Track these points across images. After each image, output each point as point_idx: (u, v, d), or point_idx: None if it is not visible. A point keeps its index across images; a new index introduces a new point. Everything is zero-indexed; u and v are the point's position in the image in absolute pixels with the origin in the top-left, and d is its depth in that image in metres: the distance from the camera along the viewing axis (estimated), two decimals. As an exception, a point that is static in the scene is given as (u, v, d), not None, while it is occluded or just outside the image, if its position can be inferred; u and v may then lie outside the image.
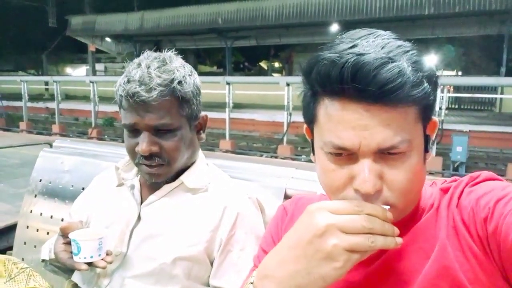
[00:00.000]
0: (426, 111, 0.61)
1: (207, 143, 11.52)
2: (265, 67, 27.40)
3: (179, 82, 0.94)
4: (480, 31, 14.57)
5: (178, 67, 0.96)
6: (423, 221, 0.66)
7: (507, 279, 0.58)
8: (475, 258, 0.60)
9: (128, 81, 0.91)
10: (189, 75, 0.98)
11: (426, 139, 0.64)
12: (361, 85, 0.54)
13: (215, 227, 0.96)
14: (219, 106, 11.30)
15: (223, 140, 10.79)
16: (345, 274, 0.68)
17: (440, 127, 8.71)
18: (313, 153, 0.69)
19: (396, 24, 15.09)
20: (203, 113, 1.05)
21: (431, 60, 20.12)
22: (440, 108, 8.81)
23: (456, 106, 17.12)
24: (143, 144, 0.92)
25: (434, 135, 0.67)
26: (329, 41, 0.61)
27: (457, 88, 15.16)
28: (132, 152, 0.97)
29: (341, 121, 0.58)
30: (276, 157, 9.67)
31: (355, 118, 0.57)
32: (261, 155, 10.17)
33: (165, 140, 0.95)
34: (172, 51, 0.99)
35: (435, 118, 0.66)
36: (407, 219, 0.68)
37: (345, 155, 0.60)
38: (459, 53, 18.06)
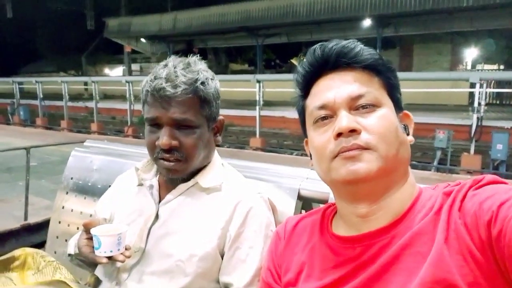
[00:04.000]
0: (391, 90, 0.75)
1: (238, 141, 11.63)
2: (297, 64, 27.17)
3: (202, 83, 0.99)
4: (523, 22, 13.77)
5: (202, 69, 1.02)
6: (421, 225, 0.66)
7: (510, 282, 0.57)
8: (475, 262, 0.59)
9: (155, 78, 0.98)
10: (211, 79, 1.04)
11: (404, 127, 0.76)
12: (328, 53, 0.74)
13: (226, 224, 0.99)
14: (250, 104, 11.36)
15: (254, 138, 10.85)
16: (341, 277, 0.70)
17: (479, 124, 8.37)
18: (311, 158, 0.81)
19: (432, 17, 14.55)
20: (220, 117, 1.10)
21: (470, 53, 19.30)
22: (479, 104, 8.44)
23: (497, 102, 16.31)
24: (164, 137, 0.97)
25: (412, 126, 0.79)
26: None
27: (499, 83, 14.43)
28: (152, 147, 1.01)
29: (320, 90, 0.75)
30: (306, 155, 9.60)
31: (329, 83, 0.74)
32: (291, 153, 10.13)
33: (184, 136, 0.99)
34: (197, 56, 1.05)
35: (408, 112, 0.79)
36: (404, 218, 0.69)
37: (327, 119, 0.73)
38: (500, 46, 17.15)
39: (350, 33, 16.17)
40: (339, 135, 0.69)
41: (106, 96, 19.58)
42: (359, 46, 0.74)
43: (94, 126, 14.05)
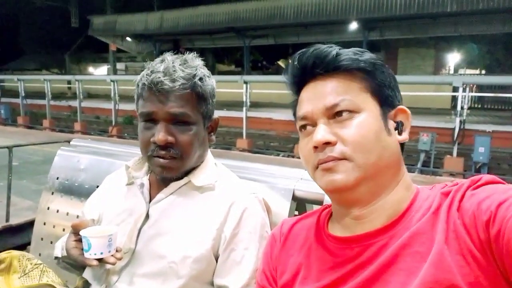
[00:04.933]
0: (377, 89, 0.73)
1: (224, 141, 11.59)
2: (283, 66, 27.32)
3: (200, 79, 0.99)
4: (504, 28, 14.13)
5: (200, 66, 1.01)
6: (420, 225, 0.66)
7: (510, 282, 0.57)
8: (475, 262, 0.59)
9: (152, 72, 0.96)
10: (208, 76, 1.03)
11: (397, 124, 0.74)
12: (305, 63, 0.74)
13: (221, 225, 0.97)
14: (237, 105, 11.34)
15: (240, 139, 10.83)
16: (338, 278, 0.70)
17: (462, 127, 8.54)
18: None
19: (417, 21, 14.81)
20: (215, 116, 1.08)
21: (453, 58, 19.71)
22: (462, 108, 8.62)
23: (479, 106, 16.68)
24: (160, 133, 0.95)
25: (409, 122, 0.76)
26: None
27: (480, 87, 14.76)
28: (146, 144, 0.99)
29: (302, 100, 0.77)
30: (293, 157, 9.65)
31: (309, 93, 0.75)
32: (278, 154, 10.15)
33: (180, 133, 0.97)
34: (194, 53, 1.04)
35: (403, 107, 0.76)
36: (402, 219, 0.69)
37: (309, 128, 0.74)
38: (482, 52, 17.57)
39: (337, 36, 16.32)
40: (315, 147, 0.71)
41: (90, 95, 19.26)
42: (334, 51, 0.72)
43: (77, 126, 13.80)
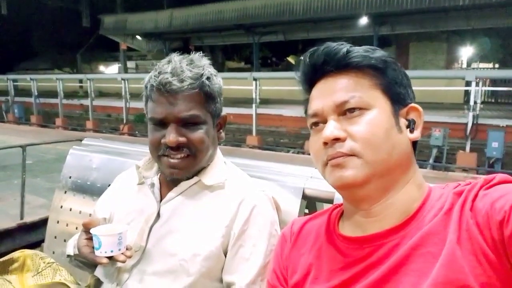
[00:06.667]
0: (388, 86, 0.72)
1: (234, 138, 11.61)
2: (293, 62, 27.23)
3: (208, 78, 0.99)
4: (519, 21, 13.85)
5: (207, 65, 1.02)
6: (432, 225, 0.65)
7: None
8: (488, 262, 0.59)
9: (160, 73, 0.96)
10: (215, 75, 1.04)
11: (409, 122, 0.73)
12: (316, 62, 0.75)
13: (230, 222, 0.98)
14: (247, 102, 11.34)
15: (250, 135, 10.83)
16: (349, 278, 0.70)
17: (475, 122, 8.41)
18: None
19: (428, 15, 14.60)
20: (223, 113, 1.09)
21: (466, 52, 19.39)
22: (475, 102, 8.48)
23: (493, 100, 16.41)
24: (171, 135, 0.95)
25: (421, 120, 0.75)
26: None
27: (494, 81, 14.51)
28: (156, 145, 0.99)
29: (312, 97, 0.77)
30: (303, 153, 9.61)
31: (319, 91, 0.75)
32: (288, 151, 10.13)
33: (191, 132, 0.98)
34: (200, 53, 1.04)
35: (415, 105, 0.75)
36: (414, 219, 0.68)
37: (320, 124, 0.74)
38: (496, 45, 17.24)
39: (347, 31, 16.18)
40: (325, 143, 0.71)
41: (101, 94, 19.46)
42: (345, 49, 0.72)
43: (89, 124, 13.96)
